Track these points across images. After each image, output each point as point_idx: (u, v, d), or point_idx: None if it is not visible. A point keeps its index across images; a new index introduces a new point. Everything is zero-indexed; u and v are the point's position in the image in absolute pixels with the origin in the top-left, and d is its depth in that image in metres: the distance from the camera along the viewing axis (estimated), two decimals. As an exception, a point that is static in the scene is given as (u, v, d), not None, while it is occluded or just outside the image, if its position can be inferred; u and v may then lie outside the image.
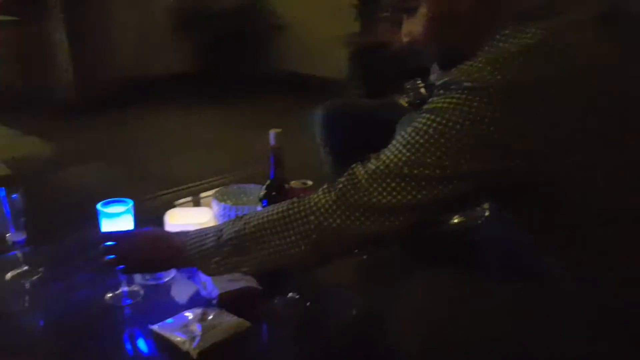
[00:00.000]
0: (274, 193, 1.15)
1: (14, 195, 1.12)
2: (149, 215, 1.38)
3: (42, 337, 1.00)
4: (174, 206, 1.49)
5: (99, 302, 1.06)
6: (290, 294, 1.09)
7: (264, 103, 4.54)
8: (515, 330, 0.78)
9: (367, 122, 1.79)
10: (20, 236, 1.14)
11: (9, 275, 1.16)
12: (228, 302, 1.02)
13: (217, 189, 1.32)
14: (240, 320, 0.97)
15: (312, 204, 0.82)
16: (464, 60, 0.77)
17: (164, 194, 2.36)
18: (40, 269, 1.17)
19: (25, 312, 1.08)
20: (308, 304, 1.08)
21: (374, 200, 0.77)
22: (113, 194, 1.11)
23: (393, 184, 0.76)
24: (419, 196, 0.76)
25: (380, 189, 0.77)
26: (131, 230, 1.06)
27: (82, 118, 3.84)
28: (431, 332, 0.78)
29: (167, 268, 1.08)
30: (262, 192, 1.16)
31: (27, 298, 1.12)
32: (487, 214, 1.33)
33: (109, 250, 0.97)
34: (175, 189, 2.45)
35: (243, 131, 3.63)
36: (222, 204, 1.23)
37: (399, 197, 0.76)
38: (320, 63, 4.74)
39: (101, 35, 4.13)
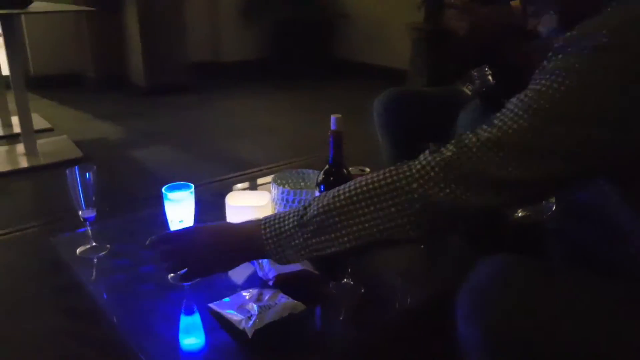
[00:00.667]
0: (331, 178, 1.15)
1: (87, 174, 1.18)
2: (211, 197, 1.43)
3: (105, 309, 1.05)
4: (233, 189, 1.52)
5: (162, 280, 1.10)
6: (345, 280, 1.09)
7: (327, 91, 4.56)
8: (583, 327, 0.71)
9: (426, 110, 1.77)
10: (91, 213, 1.20)
11: (78, 250, 1.22)
12: (284, 284, 1.04)
13: (276, 173, 1.33)
14: (296, 302, 0.99)
15: (414, 171, 0.74)
16: (588, 17, 0.70)
17: (226, 179, 2.42)
18: (108, 246, 1.23)
19: (92, 285, 1.13)
20: (362, 290, 1.08)
21: (488, 171, 0.70)
22: (178, 175, 1.15)
23: (510, 155, 0.69)
24: (540, 169, 0.68)
25: (496, 159, 0.69)
26: (189, 227, 1.00)
27: (151, 102, 3.99)
28: (491, 323, 0.72)
29: (235, 264, 0.93)
30: (320, 177, 1.16)
31: (94, 272, 1.17)
32: (553, 208, 1.27)
33: (167, 255, 0.90)
34: (237, 173, 2.51)
35: (306, 118, 3.67)
36: (281, 187, 1.24)
37: (515, 170, 0.68)
38: (384, 52, 4.70)
39: (171, 24, 4.25)
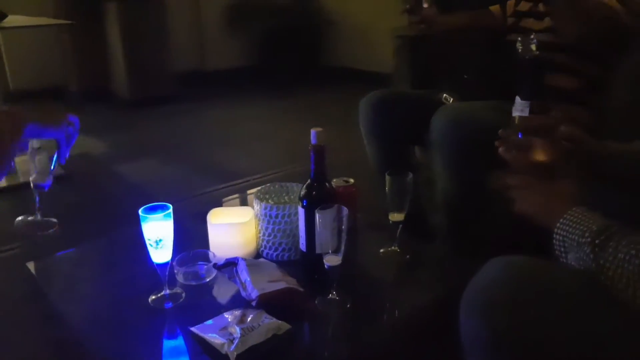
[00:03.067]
0: (314, 192, 1.13)
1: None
2: (194, 213, 1.40)
3: (85, 338, 1.02)
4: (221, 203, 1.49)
5: (142, 303, 1.07)
6: (331, 295, 1.07)
7: (315, 97, 4.55)
8: (586, 329, 0.70)
9: (411, 112, 1.77)
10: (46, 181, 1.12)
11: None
12: (268, 303, 1.01)
13: (259, 188, 1.31)
14: (280, 322, 0.96)
15: None
16: None
17: (211, 191, 2.39)
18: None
19: (71, 313, 1.09)
20: (348, 305, 1.06)
21: None
22: (164, 190, 1.12)
23: None
24: None
25: None
26: None
27: (136, 115, 3.95)
28: (497, 321, 0.72)
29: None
30: (303, 192, 1.14)
31: (71, 299, 1.14)
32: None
33: None
34: (222, 185, 2.48)
35: (295, 125, 3.65)
36: (263, 203, 1.22)
37: None
38: (370, 57, 4.69)
39: (155, 33, 4.21)
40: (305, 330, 1.03)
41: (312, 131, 1.13)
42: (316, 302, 1.07)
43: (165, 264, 1.05)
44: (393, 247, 1.28)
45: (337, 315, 1.06)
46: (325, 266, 1.04)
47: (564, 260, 0.77)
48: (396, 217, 1.27)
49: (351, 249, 1.25)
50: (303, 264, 1.17)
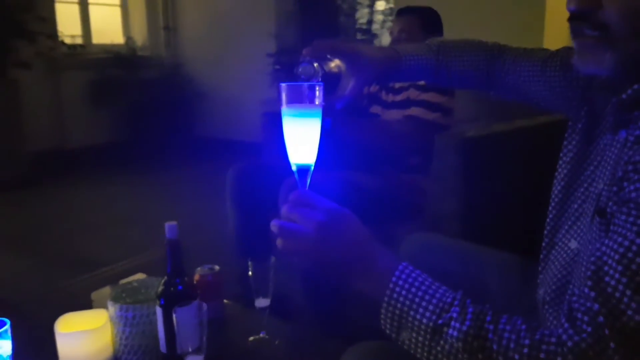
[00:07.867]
0: (171, 289, 1.08)
1: None
2: (40, 321, 1.27)
3: None
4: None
5: None
6: None
7: (186, 172, 4.47)
8: None
9: (273, 182, 1.82)
10: None
11: None
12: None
13: (113, 287, 1.23)
14: None
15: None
16: None
17: (72, 285, 2.19)
18: None
19: None
20: None
21: None
22: (14, 291, 1.00)
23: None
24: None
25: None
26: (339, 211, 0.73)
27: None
28: None
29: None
30: (160, 289, 1.09)
31: None
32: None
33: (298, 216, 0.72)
34: (86, 276, 2.27)
35: (166, 203, 3.54)
36: (118, 305, 1.14)
37: None
38: (241, 127, 4.74)
39: (6, 112, 3.92)
40: None
41: (167, 225, 1.10)
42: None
43: (2, 391, 0.93)
44: (262, 335, 1.25)
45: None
46: (186, 370, 0.99)
47: (395, 338, 0.67)
48: (262, 302, 1.25)
49: (219, 340, 1.20)
50: (164, 367, 1.11)
